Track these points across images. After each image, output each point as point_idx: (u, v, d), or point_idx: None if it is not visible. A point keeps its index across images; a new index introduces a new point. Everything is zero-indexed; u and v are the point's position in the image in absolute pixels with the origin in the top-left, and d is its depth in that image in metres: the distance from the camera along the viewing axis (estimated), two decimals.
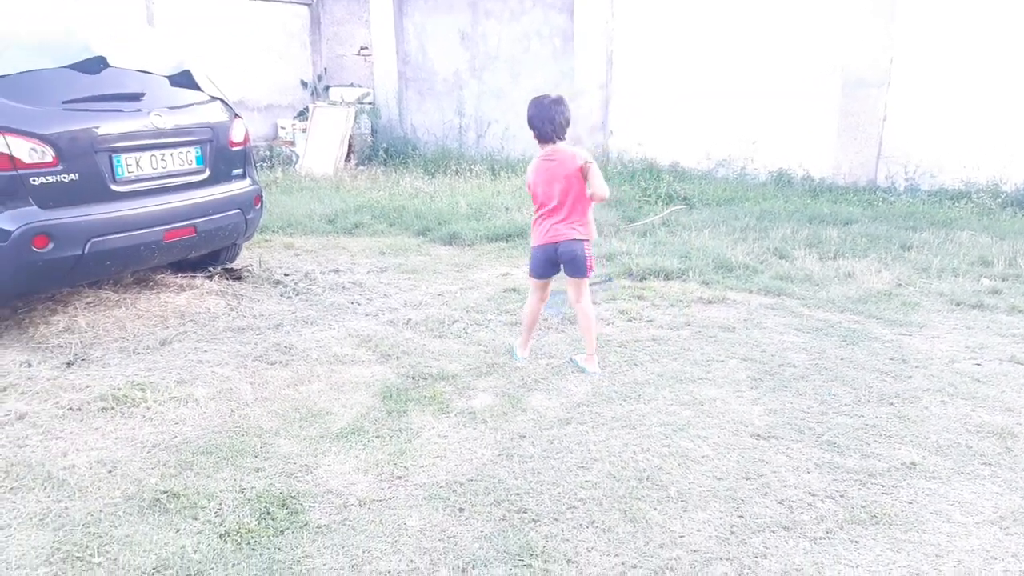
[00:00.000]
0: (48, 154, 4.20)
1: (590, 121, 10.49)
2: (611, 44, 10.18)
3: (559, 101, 3.88)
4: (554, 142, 3.90)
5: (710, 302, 5.26)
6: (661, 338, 4.57)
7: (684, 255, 6.24)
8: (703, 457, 3.21)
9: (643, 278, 5.78)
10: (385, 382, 3.96)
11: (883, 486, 3.00)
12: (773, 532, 2.72)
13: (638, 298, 5.32)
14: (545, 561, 2.54)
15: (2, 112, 4.14)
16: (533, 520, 2.77)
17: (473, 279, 5.89)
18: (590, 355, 4.11)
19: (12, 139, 4.10)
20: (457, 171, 10.07)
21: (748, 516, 2.81)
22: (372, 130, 11.79)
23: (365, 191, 9.03)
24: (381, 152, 11.39)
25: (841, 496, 2.93)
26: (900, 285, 5.56)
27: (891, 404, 3.70)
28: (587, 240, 3.96)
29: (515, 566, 2.52)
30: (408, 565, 2.53)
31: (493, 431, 3.45)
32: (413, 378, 4.01)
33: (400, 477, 3.08)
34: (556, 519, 2.78)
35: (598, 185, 3.80)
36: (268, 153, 10.91)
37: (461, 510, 2.84)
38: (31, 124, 4.20)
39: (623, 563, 2.54)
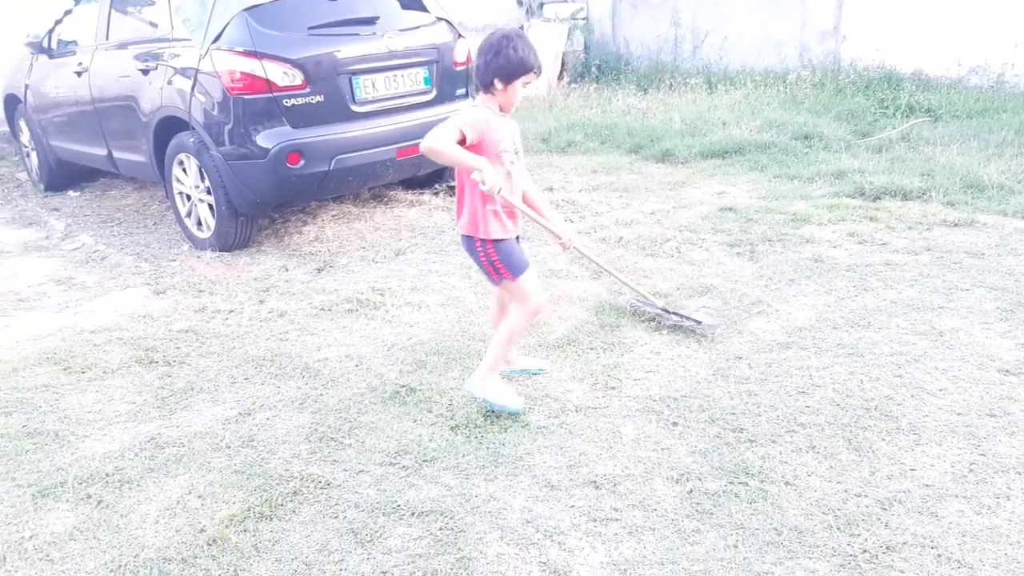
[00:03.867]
0: (298, 77, 4.60)
1: (820, 26, 9.62)
2: None
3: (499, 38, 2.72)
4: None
5: (955, 225, 4.76)
6: (896, 263, 4.23)
7: (926, 173, 5.67)
8: (940, 391, 2.99)
9: (877, 198, 5.33)
10: (598, 298, 4.04)
11: None
12: (1019, 473, 2.50)
13: (870, 219, 4.93)
14: (762, 481, 2.53)
15: (259, 39, 4.57)
16: (749, 440, 2.75)
17: (686, 197, 5.75)
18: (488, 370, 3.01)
19: (268, 63, 4.54)
20: (671, 86, 9.72)
21: (991, 455, 2.60)
22: (584, 46, 11.64)
23: (577, 109, 9.01)
24: (593, 69, 11.24)
25: None
26: None
27: None
28: (475, 239, 2.86)
29: (730, 483, 2.53)
30: (623, 471, 2.63)
31: (707, 351, 3.42)
32: (625, 295, 4.05)
33: (614, 388, 3.16)
34: (774, 441, 2.74)
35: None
36: None
37: (675, 424, 2.89)
38: (283, 49, 4.61)
39: (846, 491, 2.47)
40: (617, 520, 2.40)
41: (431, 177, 5.97)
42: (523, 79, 2.72)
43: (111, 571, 2.27)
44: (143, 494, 2.62)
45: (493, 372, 3.01)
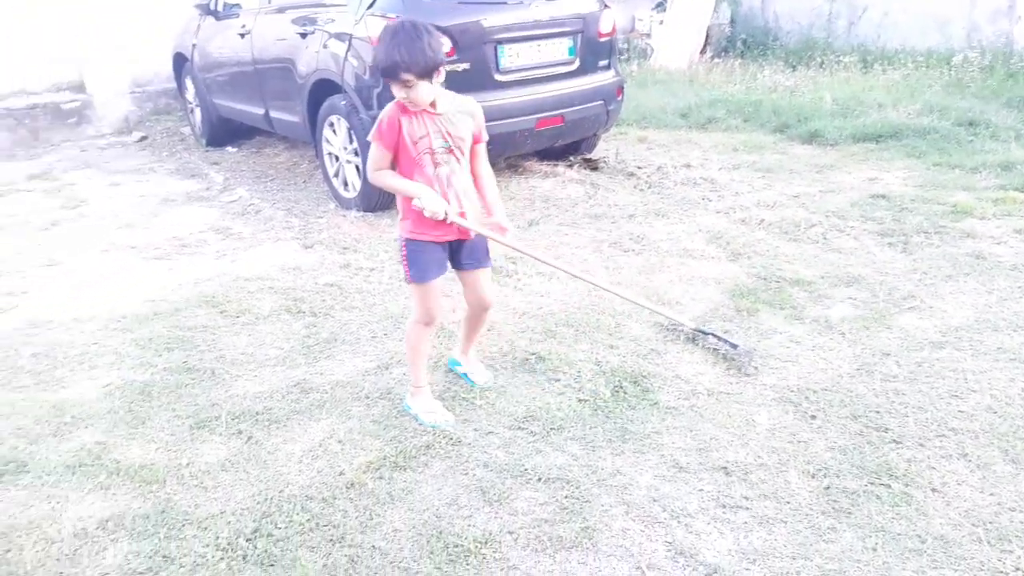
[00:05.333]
0: (446, 44, 4.67)
1: (992, 5, 8.84)
2: None
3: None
4: None
5: None
6: None
7: None
8: None
9: None
10: (735, 280, 3.92)
11: None
12: None
13: None
14: (906, 485, 2.40)
15: (410, 5, 4.69)
16: (894, 441, 2.62)
17: (835, 181, 5.47)
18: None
19: None
20: (822, 63, 9.23)
21: None
22: (731, 20, 11.21)
23: (720, 85, 8.71)
24: (739, 43, 10.83)
25: None
26: None
27: None
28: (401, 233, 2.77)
29: (871, 483, 2.42)
30: (755, 459, 2.56)
31: (851, 344, 3.27)
32: (764, 279, 3.92)
33: (748, 375, 3.08)
34: (921, 445, 2.59)
35: None
36: (625, 46, 10.97)
37: (813, 417, 2.78)
38: (433, 16, 4.66)
39: (999, 503, 2.31)
40: (747, 509, 2.34)
41: (567, 148, 5.96)
42: (394, 82, 2.46)
43: (258, 503, 2.44)
44: (288, 434, 2.79)
45: (417, 389, 2.91)
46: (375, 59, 2.48)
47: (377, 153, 2.61)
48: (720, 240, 4.45)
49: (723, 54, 10.75)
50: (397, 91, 2.50)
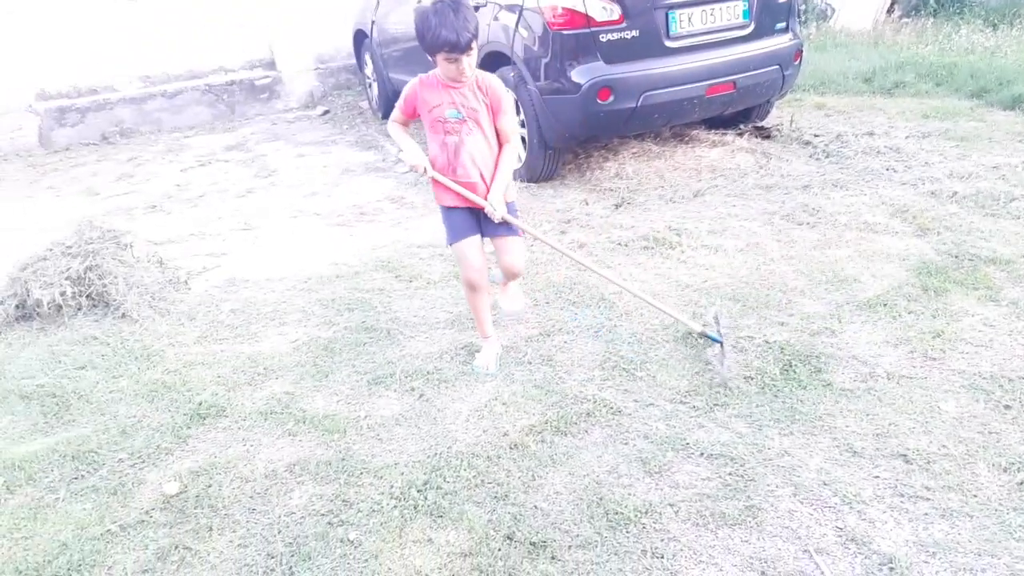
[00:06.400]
0: (615, 12, 4.62)
1: None
2: None
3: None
4: None
5: None
6: None
7: None
8: None
9: None
10: (921, 257, 3.65)
11: None
12: None
13: None
14: None
15: None
16: None
17: None
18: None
19: None
20: None
21: None
22: None
23: (909, 46, 8.04)
24: (931, 1, 9.91)
25: None
26: None
27: None
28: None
29: None
30: (939, 449, 2.40)
31: None
32: (955, 257, 3.62)
33: (934, 359, 2.87)
34: None
35: None
36: (803, 7, 10.35)
37: (1008, 407, 2.56)
38: None
39: None
40: (928, 500, 2.20)
41: (736, 116, 5.74)
42: (439, 55, 2.60)
43: (429, 457, 2.58)
44: (456, 394, 2.92)
45: (483, 339, 3.18)
46: (430, 38, 2.54)
47: (397, 111, 2.87)
48: (906, 214, 4.14)
49: (913, 13, 9.88)
50: (454, 65, 2.61)
